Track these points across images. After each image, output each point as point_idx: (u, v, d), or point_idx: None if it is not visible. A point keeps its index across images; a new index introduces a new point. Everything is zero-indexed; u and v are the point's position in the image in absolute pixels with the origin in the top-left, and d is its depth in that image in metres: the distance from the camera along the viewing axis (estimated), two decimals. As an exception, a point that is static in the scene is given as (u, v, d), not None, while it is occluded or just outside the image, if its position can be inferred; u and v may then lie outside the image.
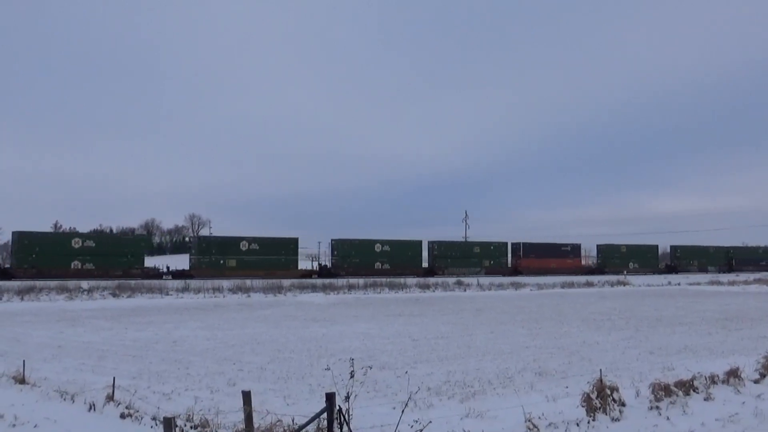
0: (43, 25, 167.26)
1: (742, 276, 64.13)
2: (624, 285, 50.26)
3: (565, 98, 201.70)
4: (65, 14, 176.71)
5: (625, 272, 64.98)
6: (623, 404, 8.15)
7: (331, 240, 57.03)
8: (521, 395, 9.47)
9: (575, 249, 67.59)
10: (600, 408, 7.90)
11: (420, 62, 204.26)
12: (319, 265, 56.39)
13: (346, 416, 6.09)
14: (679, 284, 52.35)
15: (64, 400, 8.88)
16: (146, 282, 40.02)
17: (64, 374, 11.38)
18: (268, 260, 50.84)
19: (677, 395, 8.60)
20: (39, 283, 36.28)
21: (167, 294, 34.97)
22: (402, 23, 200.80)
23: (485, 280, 49.05)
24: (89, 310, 25.86)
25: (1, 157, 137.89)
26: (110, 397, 8.53)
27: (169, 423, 5.74)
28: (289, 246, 53.10)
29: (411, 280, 46.91)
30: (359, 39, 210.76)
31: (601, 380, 8.40)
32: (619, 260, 69.04)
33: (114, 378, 9.21)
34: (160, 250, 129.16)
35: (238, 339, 16.97)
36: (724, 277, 62.41)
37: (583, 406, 7.98)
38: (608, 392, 8.13)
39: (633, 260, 69.91)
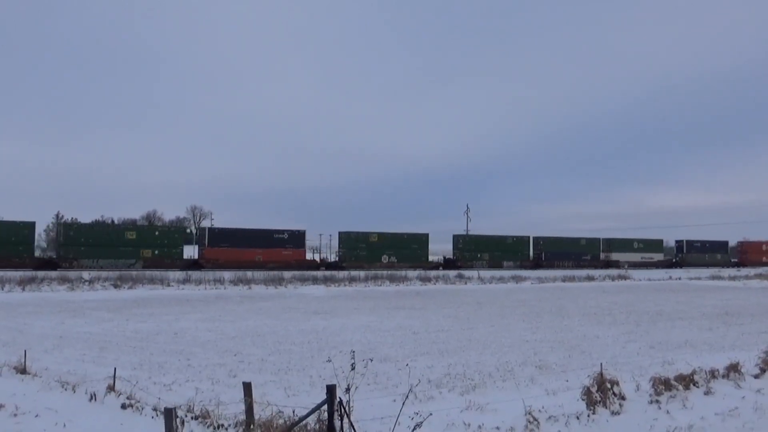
0: (45, 20, 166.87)
1: (550, 273, 52.16)
2: (625, 279, 50.37)
3: (565, 94, 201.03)
4: (68, 10, 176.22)
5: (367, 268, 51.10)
6: (623, 398, 8.15)
7: None
8: (521, 388, 9.48)
9: (296, 237, 53.57)
10: (600, 401, 7.90)
11: (426, 57, 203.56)
12: None
13: (347, 408, 6.10)
14: (680, 278, 52.35)
15: (65, 390, 8.90)
16: (148, 273, 40.12)
17: (65, 365, 11.40)
18: None
19: (677, 389, 8.60)
20: (40, 274, 36.36)
21: (169, 285, 35.06)
22: (408, 18, 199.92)
23: (486, 274, 49.07)
24: (91, 301, 25.92)
25: (2, 147, 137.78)
26: (111, 388, 8.55)
27: (170, 413, 5.75)
28: None
29: (412, 273, 46.87)
30: (365, 33, 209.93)
31: (601, 374, 8.40)
32: (367, 252, 56.20)
33: (115, 369, 9.23)
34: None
35: (239, 331, 17.01)
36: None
37: (583, 400, 7.99)
38: (608, 386, 8.13)
39: (389, 252, 56.88)
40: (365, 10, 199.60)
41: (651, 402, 8.24)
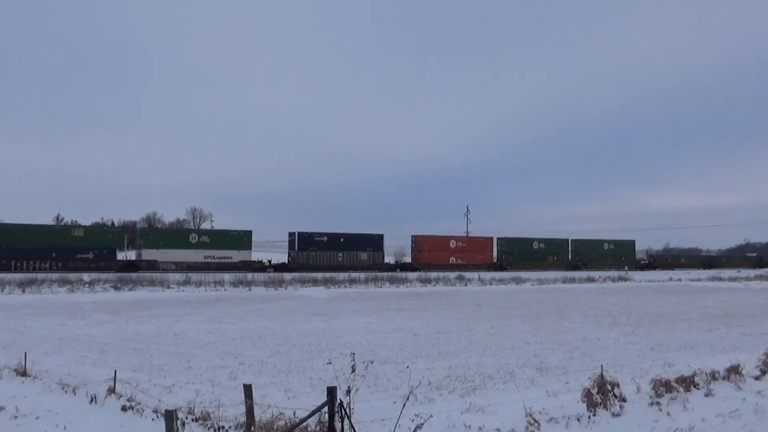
0: (43, 21, 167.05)
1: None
2: (625, 281, 50.35)
3: (560, 94, 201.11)
4: (67, 11, 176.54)
5: None
6: (624, 400, 8.15)
7: None
8: (522, 390, 9.47)
9: None
10: (601, 403, 7.90)
11: (420, 56, 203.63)
12: None
13: (347, 410, 6.10)
14: (680, 280, 52.31)
15: (66, 392, 8.90)
16: (147, 275, 40.13)
17: (65, 367, 11.40)
18: None
19: (678, 391, 8.60)
20: (40, 276, 36.37)
21: (169, 287, 35.04)
22: (401, 17, 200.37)
23: (486, 275, 49.06)
24: (91, 303, 25.91)
25: (2, 149, 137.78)
26: (111, 390, 8.55)
27: (170, 416, 5.75)
28: None
29: (412, 275, 46.88)
30: (362, 32, 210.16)
31: (601, 376, 8.40)
32: None
33: (115, 371, 9.24)
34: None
35: (240, 333, 17.00)
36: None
37: (583, 402, 7.99)
38: (609, 388, 8.13)
39: None
40: (357, 8, 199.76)
41: (651, 404, 8.23)
